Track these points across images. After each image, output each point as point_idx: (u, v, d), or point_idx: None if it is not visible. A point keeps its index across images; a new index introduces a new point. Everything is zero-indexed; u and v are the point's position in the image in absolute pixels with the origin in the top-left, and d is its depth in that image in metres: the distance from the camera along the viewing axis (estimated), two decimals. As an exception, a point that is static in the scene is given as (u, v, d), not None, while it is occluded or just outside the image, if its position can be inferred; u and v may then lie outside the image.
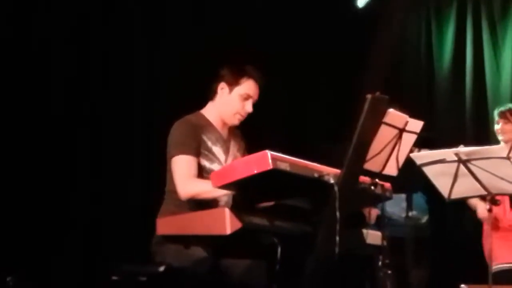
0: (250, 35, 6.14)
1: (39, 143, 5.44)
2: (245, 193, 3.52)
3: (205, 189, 3.79)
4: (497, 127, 5.51)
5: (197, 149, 3.95)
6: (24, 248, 5.25)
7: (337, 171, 3.40)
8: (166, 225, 3.63)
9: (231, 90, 4.06)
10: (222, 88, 4.08)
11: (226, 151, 4.10)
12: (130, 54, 5.91)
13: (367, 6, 6.76)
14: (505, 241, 5.28)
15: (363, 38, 6.65)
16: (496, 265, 5.05)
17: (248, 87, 4.07)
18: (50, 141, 5.49)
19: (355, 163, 3.43)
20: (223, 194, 3.81)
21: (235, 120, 4.11)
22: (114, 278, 3.83)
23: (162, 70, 5.97)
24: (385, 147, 3.60)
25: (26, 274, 4.91)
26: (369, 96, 3.37)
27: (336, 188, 3.32)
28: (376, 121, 3.47)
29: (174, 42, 6.03)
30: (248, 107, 4.08)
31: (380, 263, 4.11)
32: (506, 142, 5.34)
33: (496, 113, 5.56)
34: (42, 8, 5.55)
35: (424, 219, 5.72)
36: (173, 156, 3.94)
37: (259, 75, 4.11)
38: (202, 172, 3.95)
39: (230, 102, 4.07)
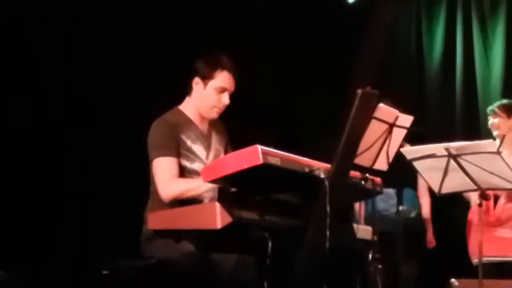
0: (241, 33, 6.14)
1: (29, 140, 5.44)
2: (236, 187, 3.52)
3: (187, 187, 3.79)
4: (490, 122, 5.56)
5: (177, 150, 3.91)
6: (15, 243, 5.25)
7: (328, 166, 3.40)
8: (156, 219, 3.63)
9: (205, 84, 4.00)
10: (197, 83, 4.02)
11: (208, 147, 4.05)
12: (129, 54, 5.91)
13: (357, 2, 6.76)
14: (491, 235, 5.33)
15: (354, 34, 6.67)
16: (484, 258, 5.06)
17: (222, 79, 4.00)
18: (40, 138, 5.48)
19: (345, 158, 3.43)
20: (206, 191, 3.79)
21: (213, 114, 4.05)
22: (105, 272, 3.83)
23: (159, 69, 5.97)
24: (375, 142, 3.61)
25: (17, 269, 4.90)
26: (359, 91, 3.38)
27: (326, 182, 3.32)
28: (367, 116, 3.48)
29: (173, 41, 6.04)
30: (225, 99, 4.01)
31: (370, 257, 4.12)
32: (499, 137, 5.36)
33: (488, 109, 5.61)
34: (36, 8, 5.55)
35: (414, 213, 5.74)
36: (153, 159, 3.90)
37: (233, 65, 4.02)
38: (183, 173, 3.92)
39: (206, 97, 4.01)
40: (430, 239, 5.78)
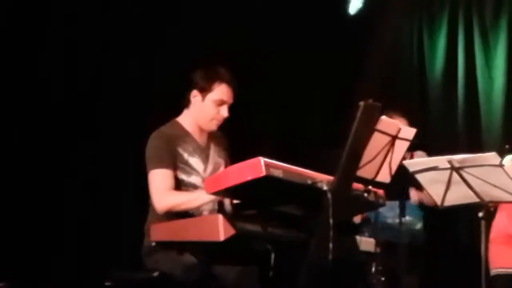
0: (245, 41, 6.15)
1: (30, 146, 5.44)
2: (239, 199, 3.52)
3: (182, 200, 3.80)
4: None
5: (173, 162, 3.91)
6: (17, 255, 5.24)
7: (330, 178, 3.40)
8: (159, 231, 3.63)
9: (203, 97, 4.00)
10: (195, 96, 4.02)
11: (205, 160, 4.05)
12: (127, 55, 5.91)
13: (358, 13, 6.78)
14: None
15: (356, 45, 6.67)
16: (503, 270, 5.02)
17: (221, 92, 3.99)
18: (41, 145, 5.48)
19: (348, 170, 3.43)
20: (201, 204, 3.79)
21: (212, 126, 4.05)
22: (107, 284, 3.83)
23: (160, 73, 5.98)
24: (378, 154, 3.60)
25: (20, 280, 4.90)
26: (362, 103, 3.38)
27: (329, 195, 3.32)
28: (369, 128, 3.48)
29: (174, 45, 6.05)
30: (224, 112, 4.01)
31: (373, 269, 4.12)
32: None
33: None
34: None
35: (418, 225, 5.72)
36: (149, 171, 3.91)
37: (231, 77, 4.02)
38: (180, 186, 3.92)
39: (205, 110, 4.00)
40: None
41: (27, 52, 5.48)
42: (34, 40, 5.53)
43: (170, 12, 6.11)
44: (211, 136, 4.14)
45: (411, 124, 3.79)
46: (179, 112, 4.15)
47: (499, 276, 4.66)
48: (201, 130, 4.08)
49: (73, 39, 5.69)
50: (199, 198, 3.76)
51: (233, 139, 4.29)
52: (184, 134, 4.03)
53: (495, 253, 4.78)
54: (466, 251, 5.62)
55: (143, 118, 5.79)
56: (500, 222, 5.00)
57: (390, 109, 5.23)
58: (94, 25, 5.76)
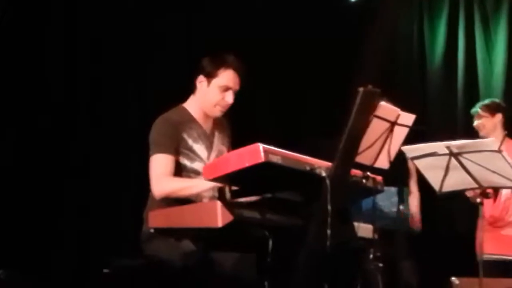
0: (245, 31, 6.15)
1: (31, 142, 5.45)
2: (237, 185, 3.52)
3: (180, 186, 3.79)
4: (475, 123, 5.61)
5: (176, 148, 3.89)
6: (17, 243, 5.25)
7: (329, 164, 3.40)
8: (157, 218, 3.62)
9: (209, 82, 3.98)
10: (201, 81, 4.01)
11: (209, 147, 4.05)
12: (131, 53, 5.91)
13: (359, 1, 6.76)
14: (497, 233, 5.33)
15: (356, 32, 6.66)
16: (488, 256, 5.06)
17: (226, 78, 3.97)
18: (41, 141, 5.49)
19: (346, 156, 3.43)
20: (200, 191, 3.79)
21: (217, 112, 4.03)
22: (106, 271, 3.83)
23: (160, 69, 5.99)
24: (376, 140, 3.60)
25: (19, 268, 4.91)
26: (361, 89, 3.37)
27: (327, 181, 3.32)
28: (368, 114, 3.47)
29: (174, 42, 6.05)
30: (229, 98, 3.99)
31: (371, 256, 4.11)
32: (487, 137, 5.36)
33: (471, 111, 5.63)
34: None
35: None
36: (150, 155, 3.90)
37: (238, 64, 4.00)
38: (182, 171, 3.92)
39: (210, 95, 3.99)
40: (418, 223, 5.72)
41: (27, 52, 5.49)
42: (33, 40, 5.53)
43: (170, 12, 6.11)
44: (216, 122, 4.13)
45: (409, 108, 3.78)
46: (183, 99, 4.15)
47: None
48: (207, 116, 4.06)
49: (73, 39, 5.69)
50: (198, 185, 3.76)
51: (232, 126, 4.28)
52: (189, 120, 4.02)
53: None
54: (462, 236, 5.63)
55: (144, 105, 5.82)
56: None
57: (389, 96, 5.25)
58: (94, 25, 5.76)
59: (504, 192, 5.39)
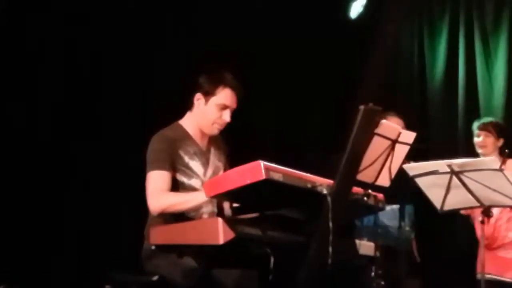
0: (244, 44, 6.15)
1: (31, 147, 5.44)
2: (238, 202, 3.53)
3: (175, 201, 3.79)
4: (477, 140, 5.53)
5: (171, 165, 3.90)
6: (17, 257, 5.24)
7: (330, 181, 3.40)
8: (158, 234, 3.62)
9: (207, 100, 4.00)
10: (198, 99, 4.02)
11: (206, 163, 4.06)
12: (127, 55, 5.91)
13: (359, 17, 6.78)
14: (494, 253, 5.33)
15: (357, 50, 6.67)
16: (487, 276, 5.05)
17: (224, 96, 4.00)
18: (42, 146, 5.49)
19: (348, 173, 3.43)
20: (196, 206, 3.78)
21: (214, 130, 4.05)
22: (107, 286, 3.83)
23: (160, 78, 5.99)
24: (378, 158, 3.61)
25: (19, 283, 4.90)
26: (362, 107, 3.38)
27: (329, 198, 3.32)
28: (369, 132, 3.48)
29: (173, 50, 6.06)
30: (226, 117, 4.01)
31: (373, 273, 4.11)
32: (485, 156, 5.35)
33: (476, 125, 5.58)
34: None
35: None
36: (147, 172, 3.91)
37: (236, 83, 4.03)
38: (180, 188, 3.92)
39: (207, 113, 4.01)
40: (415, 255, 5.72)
41: (27, 52, 5.49)
42: (33, 40, 5.54)
43: (170, 12, 6.12)
44: (211, 139, 4.14)
45: (409, 126, 3.78)
46: (179, 112, 4.15)
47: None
48: (203, 133, 4.08)
49: (73, 39, 5.70)
50: (194, 199, 3.75)
51: (233, 143, 4.29)
52: (185, 137, 4.03)
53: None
54: (465, 255, 5.62)
55: (144, 119, 5.82)
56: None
57: (392, 111, 5.26)
58: (94, 25, 5.77)
59: (494, 213, 5.38)
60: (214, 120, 4.02)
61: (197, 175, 3.99)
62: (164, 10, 6.08)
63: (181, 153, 3.97)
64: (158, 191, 3.84)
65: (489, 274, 5.17)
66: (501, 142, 5.49)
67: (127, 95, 5.89)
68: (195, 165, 4.00)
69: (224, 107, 4.01)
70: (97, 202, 5.70)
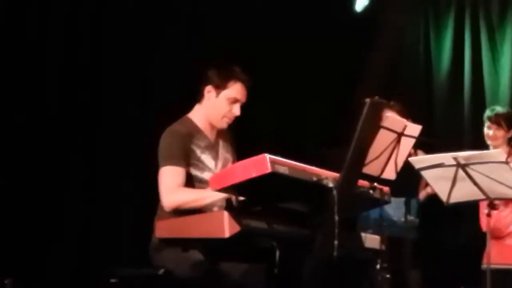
0: (249, 39, 6.15)
1: (32, 144, 5.45)
2: (244, 196, 3.52)
3: (190, 198, 3.80)
4: (488, 132, 5.52)
5: (185, 160, 3.91)
6: (21, 252, 5.25)
7: (336, 175, 3.40)
8: (164, 228, 3.63)
9: (218, 93, 4.01)
10: (209, 91, 4.03)
11: (216, 156, 4.07)
12: (127, 56, 5.91)
13: (365, 10, 6.77)
14: (501, 242, 5.33)
15: (362, 42, 6.66)
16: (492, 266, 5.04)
17: (235, 90, 4.01)
18: (43, 143, 5.49)
19: (354, 167, 3.43)
20: (210, 203, 3.78)
21: (223, 124, 4.07)
22: (113, 281, 3.84)
23: (160, 70, 5.99)
24: (383, 151, 3.60)
25: (24, 277, 4.91)
26: (367, 100, 3.38)
27: (334, 192, 3.32)
28: (375, 125, 3.48)
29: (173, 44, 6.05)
30: (236, 111, 4.03)
31: (378, 267, 4.11)
32: (494, 147, 5.34)
33: (487, 116, 5.55)
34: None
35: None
36: (160, 168, 3.91)
37: (246, 77, 4.05)
38: (193, 182, 3.93)
39: (218, 106, 4.02)
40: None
41: (27, 53, 5.49)
42: (33, 40, 5.54)
43: (169, 11, 6.12)
44: (219, 132, 4.15)
45: (413, 117, 3.78)
46: (178, 112, 4.16)
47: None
48: (212, 126, 4.09)
49: (73, 39, 5.71)
50: (210, 196, 3.74)
51: (237, 138, 4.29)
52: (196, 131, 4.04)
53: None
54: (469, 246, 5.62)
55: (147, 115, 5.82)
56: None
57: (397, 102, 5.26)
58: (94, 25, 5.78)
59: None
60: (224, 113, 4.03)
61: (209, 168, 4.00)
62: (164, 10, 6.07)
63: (193, 147, 3.98)
64: (173, 187, 3.85)
65: (498, 264, 5.16)
66: (511, 133, 5.49)
67: (127, 92, 5.90)
68: (207, 158, 4.02)
69: (235, 101, 4.02)
70: (98, 197, 5.70)
